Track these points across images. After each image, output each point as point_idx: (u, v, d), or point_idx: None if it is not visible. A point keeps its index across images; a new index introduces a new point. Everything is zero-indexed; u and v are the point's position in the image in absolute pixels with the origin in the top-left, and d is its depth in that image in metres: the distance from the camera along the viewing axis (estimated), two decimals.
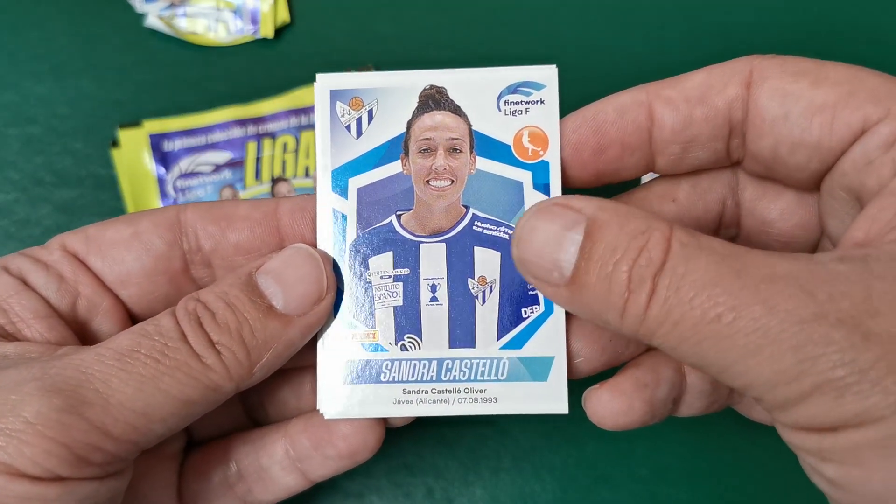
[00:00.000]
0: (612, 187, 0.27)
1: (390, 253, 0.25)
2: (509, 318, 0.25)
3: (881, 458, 0.18)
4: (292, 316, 0.24)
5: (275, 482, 0.27)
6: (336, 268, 0.25)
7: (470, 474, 0.35)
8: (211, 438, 0.29)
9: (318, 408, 0.25)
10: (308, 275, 0.24)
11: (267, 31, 0.38)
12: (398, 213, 0.25)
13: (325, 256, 0.25)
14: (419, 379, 0.25)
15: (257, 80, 0.38)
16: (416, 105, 0.26)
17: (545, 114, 0.25)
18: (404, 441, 0.35)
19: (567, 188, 0.25)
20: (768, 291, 0.18)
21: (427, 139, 0.25)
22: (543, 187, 0.25)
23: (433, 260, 0.25)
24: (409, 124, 0.26)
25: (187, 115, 0.37)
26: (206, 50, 0.39)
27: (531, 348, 0.25)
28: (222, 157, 0.37)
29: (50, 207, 0.37)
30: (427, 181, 0.25)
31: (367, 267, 0.25)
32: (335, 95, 0.26)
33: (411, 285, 0.25)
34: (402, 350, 0.25)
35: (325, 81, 0.26)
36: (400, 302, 0.25)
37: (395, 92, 0.26)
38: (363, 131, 0.26)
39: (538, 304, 0.25)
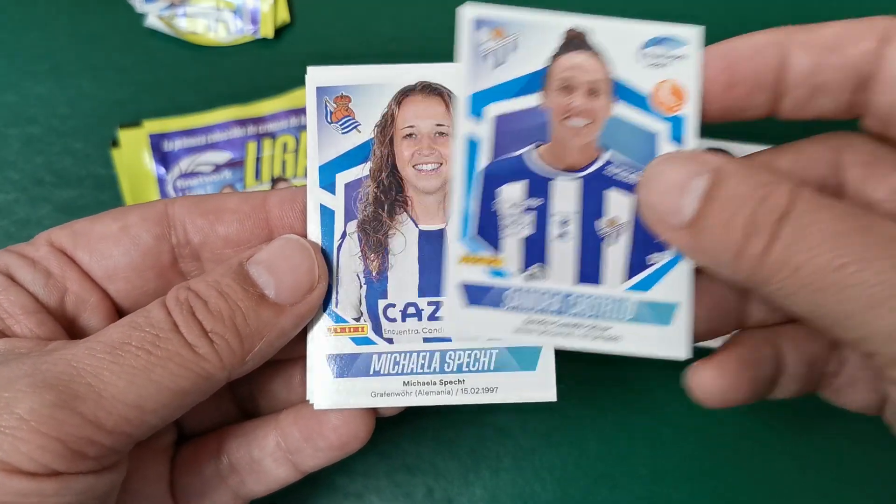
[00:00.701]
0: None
1: (524, 183, 0.25)
2: (637, 261, 0.25)
3: None
4: (285, 305, 0.24)
5: (267, 474, 0.27)
6: (326, 258, 0.25)
7: (470, 474, 0.35)
8: (202, 431, 0.29)
9: (307, 398, 0.25)
10: (300, 265, 0.24)
11: (267, 31, 0.38)
12: (537, 144, 0.25)
13: (316, 247, 0.25)
14: (544, 309, 0.25)
15: (257, 80, 0.38)
16: (559, 43, 0.25)
17: (686, 69, 0.25)
18: (404, 441, 0.35)
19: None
20: None
21: (567, 78, 0.25)
22: (679, 140, 0.25)
23: (565, 196, 0.25)
24: (551, 61, 0.25)
25: (187, 115, 0.37)
26: (206, 50, 0.39)
27: (657, 293, 0.25)
28: (222, 157, 0.37)
29: (50, 207, 0.37)
30: (565, 118, 0.25)
31: (495, 196, 0.25)
32: (480, 23, 0.25)
33: (541, 218, 0.25)
34: (528, 279, 0.25)
35: (472, 9, 0.25)
36: (530, 232, 0.25)
37: (538, 28, 0.25)
38: (505, 60, 0.25)
39: (666, 251, 0.25)
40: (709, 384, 0.25)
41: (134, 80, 0.38)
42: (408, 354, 0.25)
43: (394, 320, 0.25)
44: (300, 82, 0.38)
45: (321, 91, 0.26)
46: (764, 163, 0.26)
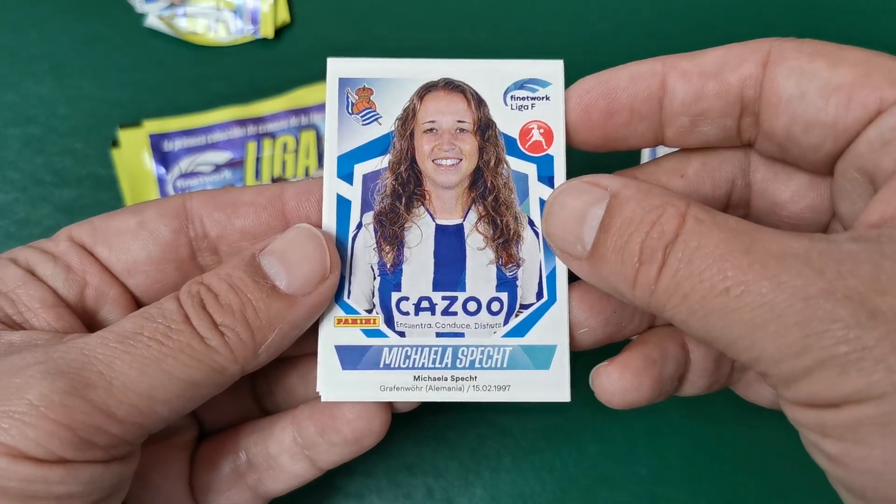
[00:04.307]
0: (621, 160, 0.27)
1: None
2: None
3: (881, 435, 0.18)
4: (296, 296, 0.23)
5: (284, 470, 0.27)
6: (340, 249, 0.25)
7: (470, 474, 0.35)
8: (223, 428, 0.29)
9: (317, 391, 0.25)
10: (311, 254, 0.24)
11: (267, 31, 0.39)
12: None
13: (329, 236, 0.25)
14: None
15: (257, 80, 0.38)
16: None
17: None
18: (405, 441, 0.35)
19: (574, 150, 0.26)
20: (777, 268, 0.19)
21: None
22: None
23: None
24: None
25: (187, 115, 0.37)
26: (206, 50, 0.39)
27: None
28: (222, 157, 0.37)
29: (50, 207, 0.37)
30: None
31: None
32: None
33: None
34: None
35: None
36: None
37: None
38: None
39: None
40: (611, 386, 0.25)
41: (134, 80, 0.38)
42: (419, 348, 0.25)
43: (407, 314, 0.25)
44: (300, 82, 0.38)
45: (343, 82, 0.26)
46: (672, 169, 0.26)
